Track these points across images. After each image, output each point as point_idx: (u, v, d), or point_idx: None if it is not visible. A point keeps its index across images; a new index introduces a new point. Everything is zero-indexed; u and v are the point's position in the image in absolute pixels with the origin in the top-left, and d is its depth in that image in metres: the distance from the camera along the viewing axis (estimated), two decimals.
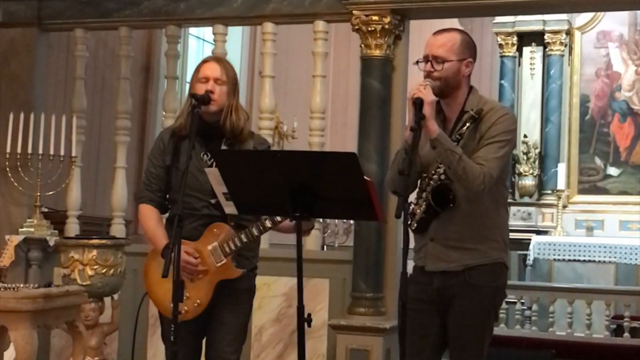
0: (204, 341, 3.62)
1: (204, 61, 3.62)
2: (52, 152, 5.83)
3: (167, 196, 3.65)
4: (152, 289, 3.59)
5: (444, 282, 3.24)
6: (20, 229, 5.81)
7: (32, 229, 5.79)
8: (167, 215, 3.67)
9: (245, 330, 3.64)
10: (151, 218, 3.61)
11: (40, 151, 5.83)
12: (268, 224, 3.48)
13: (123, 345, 5.45)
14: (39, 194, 5.84)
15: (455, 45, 3.25)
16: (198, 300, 3.45)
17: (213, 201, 3.51)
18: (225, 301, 3.54)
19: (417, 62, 3.28)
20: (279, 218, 3.45)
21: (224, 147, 3.55)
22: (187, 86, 4.10)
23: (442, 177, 3.19)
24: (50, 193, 5.99)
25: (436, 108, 3.28)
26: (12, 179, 5.82)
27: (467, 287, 3.20)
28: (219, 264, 3.51)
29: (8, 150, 5.81)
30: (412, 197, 3.29)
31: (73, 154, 5.95)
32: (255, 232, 3.50)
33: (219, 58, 3.68)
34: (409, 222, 3.21)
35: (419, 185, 3.28)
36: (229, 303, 3.55)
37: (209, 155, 3.52)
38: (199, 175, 3.49)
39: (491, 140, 3.17)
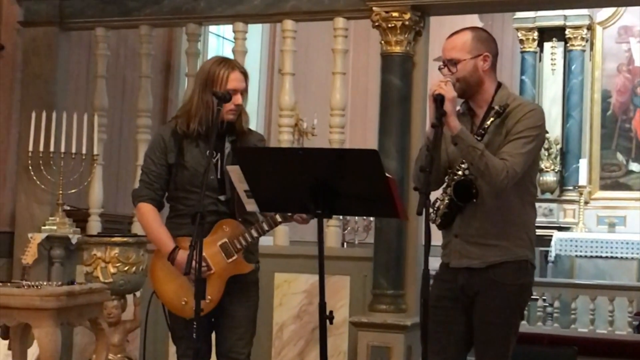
0: (212, 335, 3.64)
1: (231, 69, 3.55)
2: (74, 150, 5.87)
3: (166, 194, 3.67)
4: (159, 288, 3.60)
5: (468, 279, 3.22)
6: (42, 227, 5.85)
7: (55, 227, 5.83)
8: (168, 213, 3.70)
9: (254, 323, 3.67)
10: (154, 219, 3.62)
11: (63, 149, 5.85)
12: (279, 218, 3.50)
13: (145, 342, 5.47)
14: (61, 192, 5.88)
15: (466, 43, 3.23)
16: (209, 297, 3.46)
17: (222, 198, 3.55)
18: (236, 295, 3.57)
19: (440, 69, 3.28)
20: (289, 213, 3.46)
21: (227, 144, 3.59)
22: None
23: (467, 172, 3.18)
24: (73, 191, 6.02)
25: (466, 106, 3.27)
26: (34, 178, 5.85)
27: (491, 285, 3.18)
28: (230, 260, 3.53)
29: (31, 148, 5.84)
30: (439, 193, 3.29)
31: (95, 152, 5.97)
32: (265, 227, 3.53)
33: (240, 66, 3.65)
34: (433, 218, 3.21)
35: (446, 181, 3.27)
36: (239, 297, 3.58)
37: (215, 153, 3.54)
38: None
39: (517, 135, 3.15)
